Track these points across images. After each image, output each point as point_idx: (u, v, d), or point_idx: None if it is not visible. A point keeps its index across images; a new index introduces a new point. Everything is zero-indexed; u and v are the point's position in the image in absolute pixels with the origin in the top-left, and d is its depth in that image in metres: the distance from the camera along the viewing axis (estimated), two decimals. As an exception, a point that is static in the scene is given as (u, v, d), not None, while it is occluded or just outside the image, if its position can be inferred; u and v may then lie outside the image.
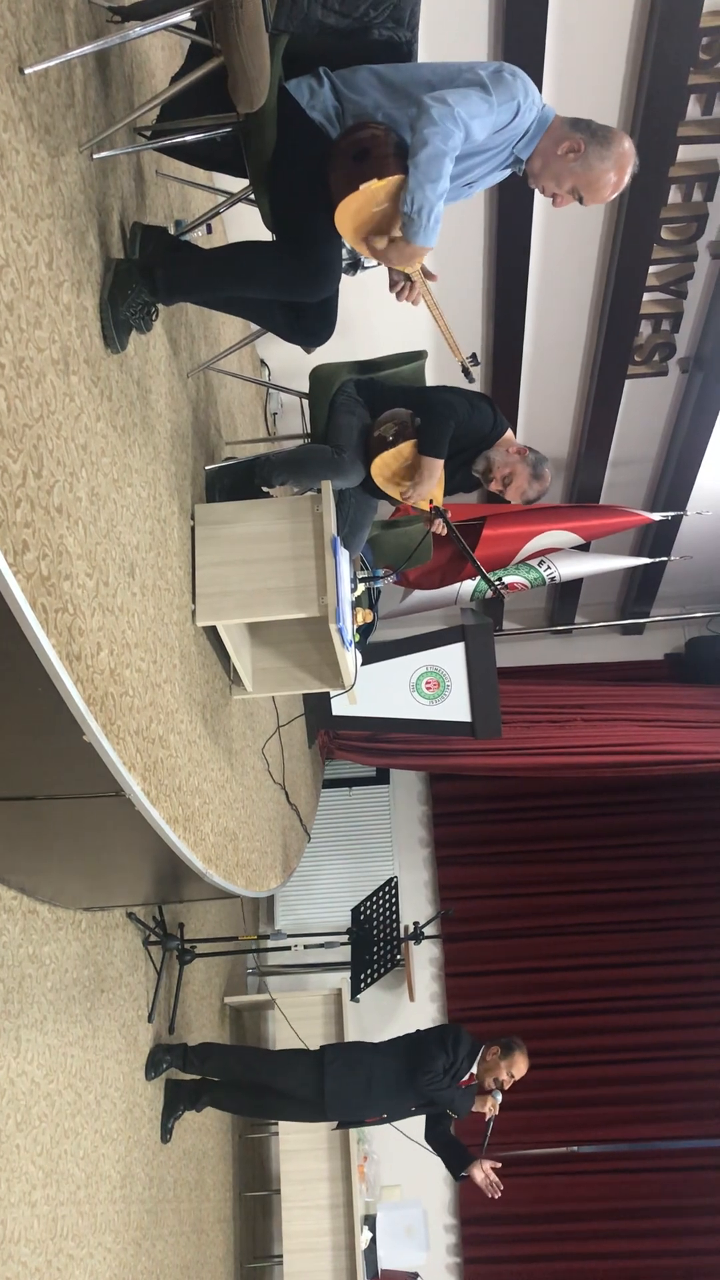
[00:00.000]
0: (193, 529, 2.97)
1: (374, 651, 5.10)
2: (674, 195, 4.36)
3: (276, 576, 2.96)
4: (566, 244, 4.62)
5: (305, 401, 3.45)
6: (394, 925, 5.46)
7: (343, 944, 5.33)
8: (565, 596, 7.01)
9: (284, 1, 2.31)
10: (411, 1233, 5.19)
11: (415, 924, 5.35)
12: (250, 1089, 4.22)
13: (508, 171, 2.52)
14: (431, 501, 3.30)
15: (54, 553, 1.82)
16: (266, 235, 2.63)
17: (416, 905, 6.75)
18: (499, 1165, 3.96)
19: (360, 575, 3.44)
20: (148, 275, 2.38)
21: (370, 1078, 4.05)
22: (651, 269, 4.64)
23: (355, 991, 5.25)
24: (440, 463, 3.22)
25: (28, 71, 1.84)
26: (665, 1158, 6.17)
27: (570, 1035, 6.44)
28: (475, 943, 6.66)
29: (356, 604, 3.38)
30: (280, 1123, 5.11)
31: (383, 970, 5.32)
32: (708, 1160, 6.15)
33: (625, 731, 6.00)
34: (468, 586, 5.66)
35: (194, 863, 2.68)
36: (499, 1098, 4.06)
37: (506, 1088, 4.06)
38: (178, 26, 2.23)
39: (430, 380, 3.85)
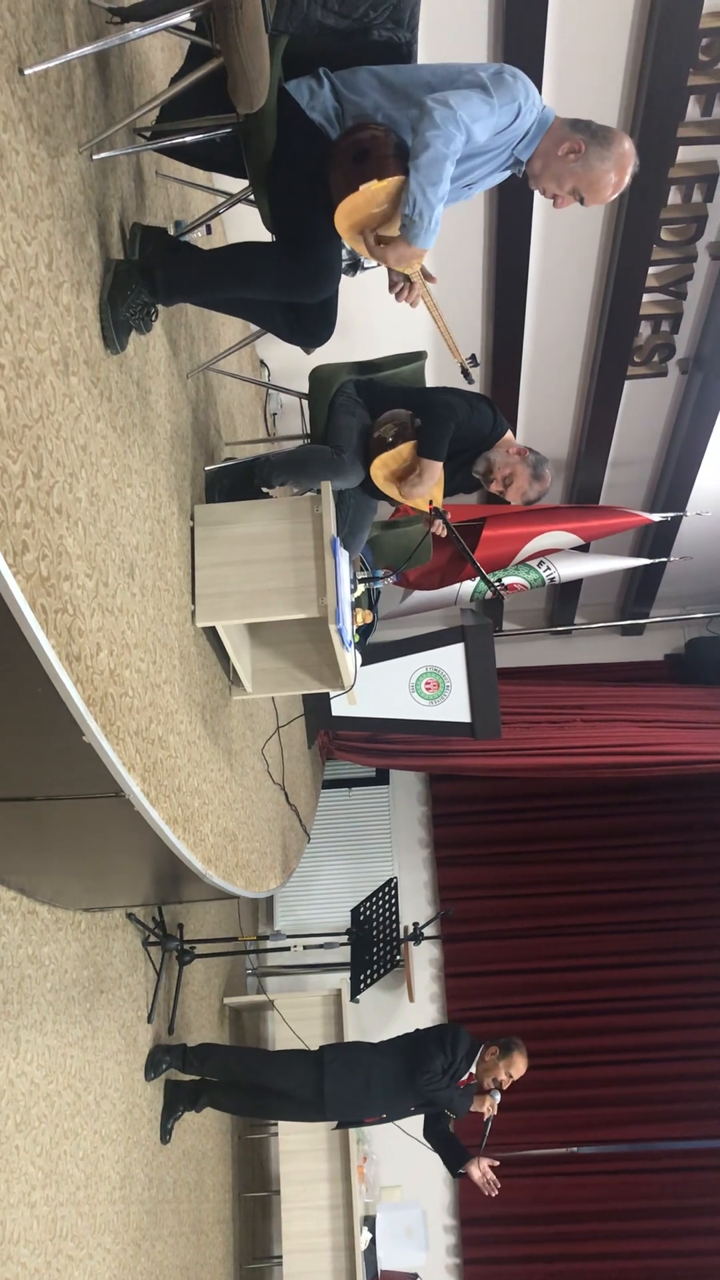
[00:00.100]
0: (192, 530, 2.97)
1: (374, 652, 5.10)
2: (674, 196, 4.36)
3: (276, 577, 2.96)
4: (566, 245, 4.62)
5: (305, 402, 3.45)
6: (394, 926, 5.46)
7: (342, 945, 5.33)
8: (565, 597, 7.01)
9: (283, 2, 2.31)
10: (411, 1233, 5.19)
11: (415, 924, 5.36)
12: (250, 1089, 4.22)
13: (508, 173, 2.52)
14: (431, 503, 3.30)
15: (54, 553, 1.82)
16: (266, 236, 2.63)
17: (416, 906, 6.75)
18: (496, 1163, 3.96)
19: (360, 576, 3.44)
20: (147, 276, 2.38)
21: (369, 1078, 4.06)
22: (651, 270, 4.64)
23: (355, 992, 5.25)
24: (439, 464, 3.22)
25: (28, 72, 1.84)
26: (665, 1158, 6.17)
27: (570, 1036, 6.44)
28: (475, 943, 6.66)
29: (356, 604, 3.38)
30: (280, 1123, 5.11)
31: (382, 971, 5.32)
32: (708, 1161, 6.15)
33: (625, 732, 6.00)
34: (467, 587, 5.66)
35: (193, 863, 2.68)
36: (497, 1098, 4.06)
37: (505, 1088, 4.06)
38: (177, 27, 2.23)
39: (430, 381, 3.86)
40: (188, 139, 2.52)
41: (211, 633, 3.06)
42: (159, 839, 2.44)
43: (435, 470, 3.21)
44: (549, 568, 5.65)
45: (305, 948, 5.54)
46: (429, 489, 3.23)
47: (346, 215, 2.33)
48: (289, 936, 5.52)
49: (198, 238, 3.04)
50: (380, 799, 7.09)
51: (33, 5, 1.90)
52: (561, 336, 5.14)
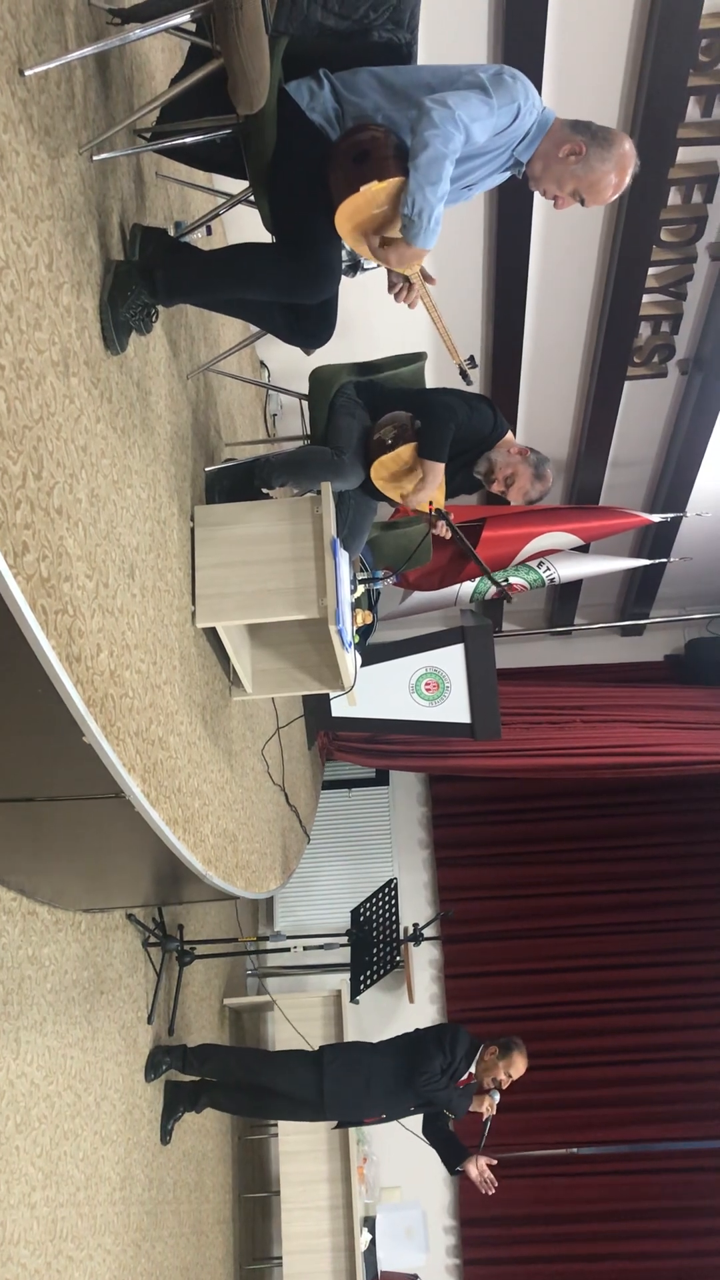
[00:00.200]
0: (192, 530, 2.97)
1: (373, 653, 5.10)
2: (673, 197, 4.36)
3: (276, 578, 2.96)
4: (566, 245, 4.62)
5: (305, 403, 3.45)
6: (393, 927, 5.46)
7: (342, 945, 5.33)
8: (565, 598, 7.01)
9: (284, 3, 2.31)
10: (411, 1234, 5.19)
11: (415, 925, 5.35)
12: (249, 1090, 4.22)
13: (508, 174, 2.52)
14: (431, 504, 3.30)
15: (54, 554, 1.82)
16: (266, 237, 2.63)
17: (416, 907, 6.76)
18: (494, 1162, 3.96)
19: (360, 576, 3.44)
20: (147, 277, 2.38)
21: (369, 1078, 4.06)
22: (651, 271, 4.64)
23: (355, 993, 5.25)
24: (441, 466, 3.21)
25: (28, 73, 1.84)
26: (665, 1159, 6.17)
27: (570, 1036, 6.44)
28: (475, 944, 6.66)
29: (356, 605, 3.39)
30: (280, 1124, 5.11)
31: (382, 972, 5.32)
32: (708, 1162, 6.15)
33: (625, 733, 6.01)
34: (467, 588, 5.66)
35: (193, 864, 2.68)
36: (497, 1097, 4.06)
37: (505, 1088, 4.06)
38: (178, 28, 2.23)
39: (430, 382, 3.86)
40: (188, 140, 2.52)
41: (212, 633, 3.06)
42: (159, 840, 2.44)
43: (437, 472, 3.20)
44: (549, 568, 5.65)
45: (305, 948, 5.54)
46: (434, 491, 3.22)
47: (347, 216, 2.33)
48: (289, 937, 5.51)
49: (198, 239, 3.04)
50: (380, 800, 7.09)
51: (33, 6, 1.90)
52: (561, 337, 5.14)
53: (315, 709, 5.15)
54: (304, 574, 2.96)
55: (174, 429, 2.87)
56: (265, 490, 3.21)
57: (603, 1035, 6.46)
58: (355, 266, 4.25)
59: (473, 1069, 4.06)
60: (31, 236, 1.83)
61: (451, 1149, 4.06)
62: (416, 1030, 4.25)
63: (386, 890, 5.52)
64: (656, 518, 5.73)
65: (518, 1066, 4.05)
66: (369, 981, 5.26)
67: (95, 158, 2.22)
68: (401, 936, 5.49)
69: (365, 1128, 5.14)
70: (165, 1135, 4.01)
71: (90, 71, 2.27)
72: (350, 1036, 5.25)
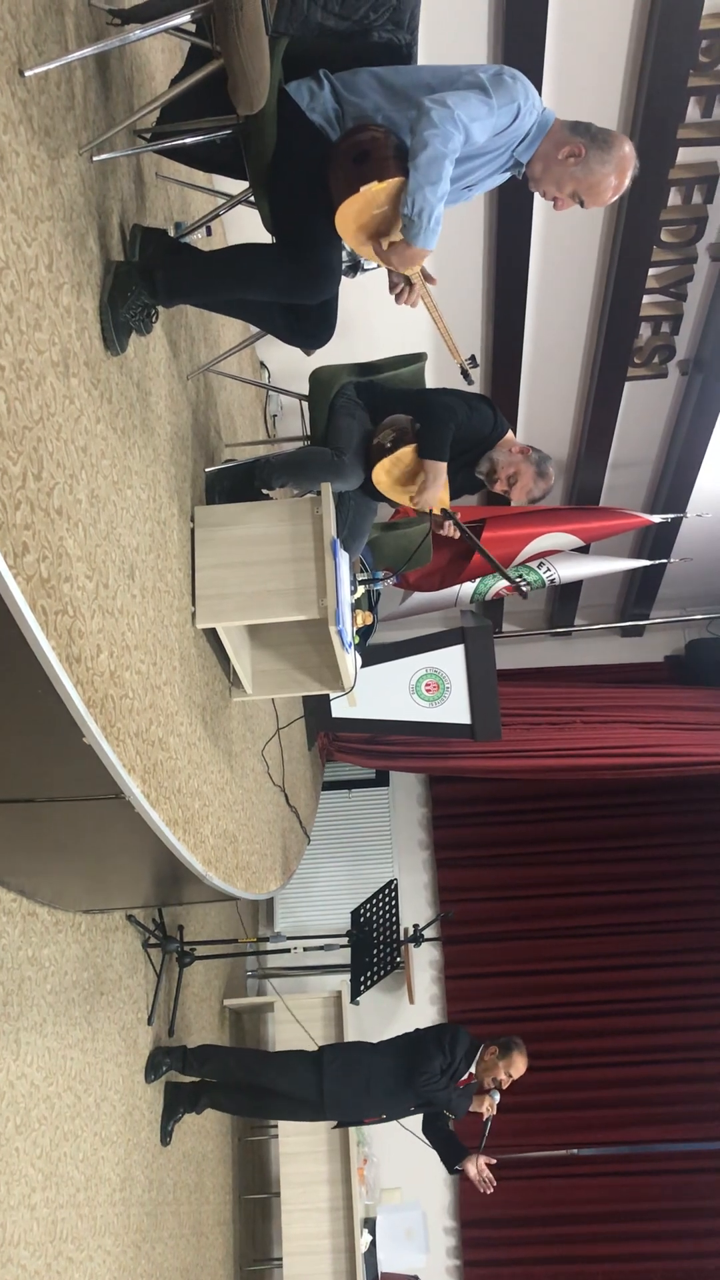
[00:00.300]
0: (192, 531, 2.97)
1: (374, 653, 5.10)
2: (674, 197, 4.36)
3: (276, 579, 2.96)
4: (566, 246, 4.62)
5: (305, 404, 3.45)
6: (394, 928, 5.46)
7: (342, 946, 5.33)
8: (565, 598, 7.01)
9: (284, 4, 2.31)
10: (411, 1235, 5.19)
11: (415, 926, 5.35)
12: (249, 1090, 4.22)
13: (508, 174, 2.52)
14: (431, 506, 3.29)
15: (54, 555, 1.82)
16: (266, 238, 2.63)
17: (416, 907, 6.75)
18: (493, 1161, 3.96)
19: (360, 577, 3.44)
20: (147, 277, 2.38)
21: (369, 1078, 4.06)
22: (651, 271, 4.64)
23: (355, 994, 5.24)
24: (444, 465, 3.21)
25: (28, 74, 1.84)
26: (665, 1160, 6.17)
27: (570, 1038, 6.44)
28: (475, 945, 6.66)
29: (356, 606, 3.38)
30: (280, 1126, 5.11)
31: (383, 973, 5.32)
32: (708, 1163, 6.15)
33: (625, 734, 6.00)
34: (467, 589, 5.67)
35: (194, 865, 2.68)
36: (497, 1097, 4.06)
37: (505, 1088, 4.05)
38: (178, 29, 2.23)
39: (430, 382, 3.86)
40: (188, 140, 2.52)
41: (212, 634, 3.06)
42: (159, 841, 2.44)
43: (440, 471, 3.20)
44: (549, 569, 5.65)
45: (305, 949, 5.54)
46: (438, 492, 3.22)
47: (347, 217, 2.33)
48: (289, 938, 5.51)
49: (198, 239, 3.04)
50: (380, 801, 7.09)
51: (33, 7, 1.90)
52: (561, 338, 5.14)
53: (315, 710, 5.15)
54: (304, 575, 2.96)
55: (174, 430, 2.87)
56: (265, 491, 3.21)
57: (603, 1036, 6.46)
58: (355, 267, 4.25)
59: (473, 1069, 4.06)
60: (31, 237, 1.83)
61: (451, 1148, 4.06)
62: (416, 1030, 4.25)
63: (387, 891, 5.52)
64: (657, 518, 5.73)
65: (518, 1066, 4.05)
66: (369, 982, 5.26)
67: (95, 158, 2.22)
68: (402, 937, 5.49)
69: (365, 1128, 5.14)
70: (165, 1136, 4.00)
71: (90, 72, 2.27)
72: (350, 1037, 5.24)
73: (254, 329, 3.27)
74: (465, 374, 3.06)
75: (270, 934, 6.15)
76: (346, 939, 5.33)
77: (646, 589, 6.93)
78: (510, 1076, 4.05)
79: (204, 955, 4.68)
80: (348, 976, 5.27)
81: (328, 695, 4.48)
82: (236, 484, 3.22)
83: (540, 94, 2.45)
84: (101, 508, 2.13)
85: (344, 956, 5.38)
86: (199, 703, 2.90)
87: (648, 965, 6.61)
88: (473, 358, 3.06)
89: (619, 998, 6.53)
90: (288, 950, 5.49)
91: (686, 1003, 6.52)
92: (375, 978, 5.29)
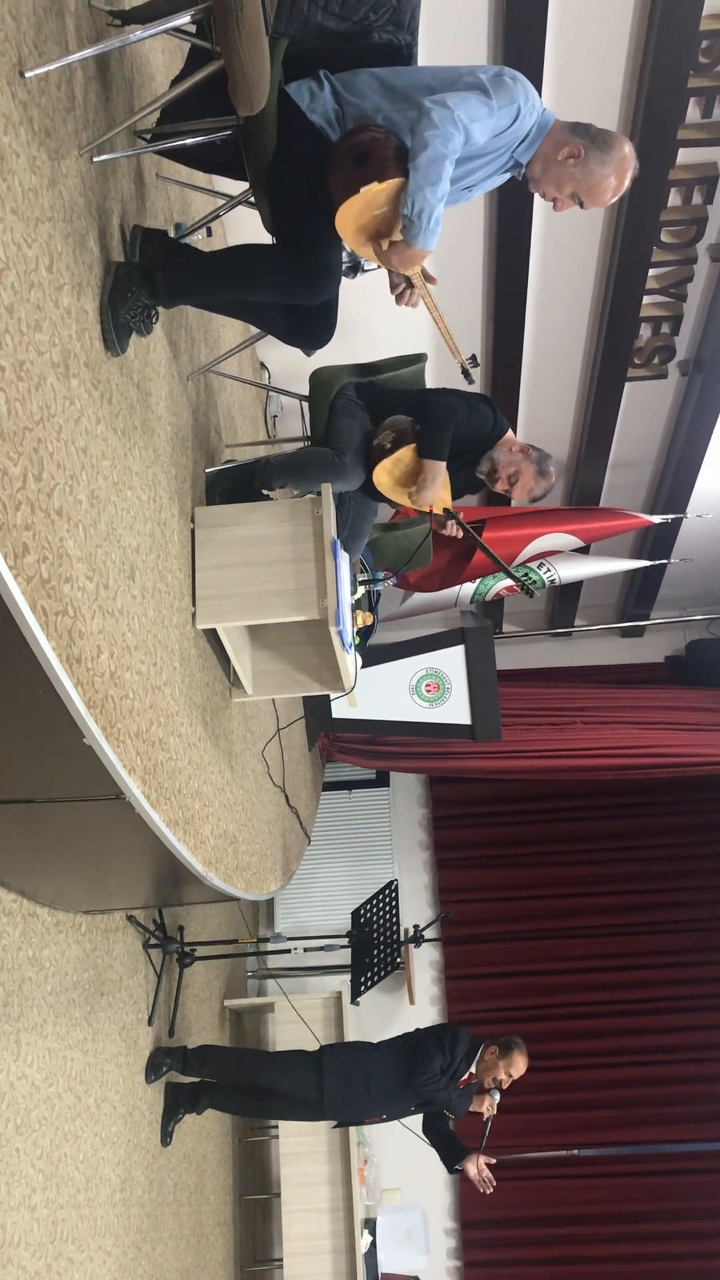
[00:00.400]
0: (193, 532, 2.97)
1: (374, 654, 5.10)
2: (674, 198, 4.36)
3: (276, 579, 2.96)
4: (566, 247, 4.62)
5: (305, 404, 3.45)
6: (394, 928, 5.45)
7: (343, 947, 5.33)
8: (565, 599, 7.01)
9: (284, 5, 2.31)
10: (412, 1236, 5.19)
11: (415, 927, 5.35)
12: (250, 1090, 4.22)
13: (507, 175, 2.52)
14: (431, 506, 3.29)
15: (54, 555, 1.82)
16: (267, 238, 2.63)
17: (416, 908, 6.75)
18: (493, 1161, 3.96)
19: (360, 578, 3.44)
20: (148, 278, 2.38)
21: (369, 1078, 4.06)
22: (651, 272, 4.64)
23: (355, 995, 5.24)
24: (443, 465, 3.21)
25: (28, 75, 1.84)
26: (666, 1161, 6.17)
27: (570, 1038, 6.43)
28: (475, 946, 6.66)
29: (356, 606, 3.38)
30: (281, 1126, 5.11)
31: (383, 973, 5.32)
32: (709, 1164, 6.15)
33: (625, 734, 6.00)
34: (468, 589, 5.67)
35: (194, 866, 2.68)
36: (497, 1097, 4.05)
37: (505, 1087, 4.05)
38: (178, 30, 2.23)
39: (430, 382, 3.85)
40: (188, 141, 2.52)
41: (212, 635, 3.06)
42: (159, 841, 2.44)
43: (439, 471, 3.20)
44: (549, 570, 5.65)
45: (306, 950, 5.54)
46: (438, 491, 3.22)
47: (347, 217, 2.34)
48: (289, 939, 5.51)
49: (198, 240, 3.04)
50: (380, 801, 7.09)
51: (33, 8, 1.90)
52: (561, 338, 5.14)
53: (316, 710, 5.15)
54: (304, 575, 2.96)
55: (174, 430, 2.87)
56: (266, 492, 3.21)
57: (603, 1037, 6.46)
58: (356, 268, 4.26)
59: (473, 1069, 4.06)
60: (32, 238, 1.83)
61: (451, 1148, 4.06)
62: (416, 1030, 4.25)
63: (387, 892, 5.52)
64: (657, 519, 5.73)
65: (518, 1066, 4.05)
66: (370, 983, 5.26)
67: (96, 159, 2.22)
68: (402, 938, 5.49)
69: (365, 1129, 5.14)
70: (165, 1137, 4.00)
71: (91, 73, 2.27)
72: (351, 1038, 5.24)
73: (254, 330, 3.27)
74: (466, 374, 3.06)
75: (271, 934, 6.16)
76: (347, 940, 5.33)
77: (647, 589, 6.93)
78: (510, 1076, 4.05)
79: (204, 956, 4.68)
80: (348, 977, 5.27)
81: (328, 696, 4.48)
82: (237, 485, 3.22)
83: (540, 95, 2.46)
84: (102, 508, 2.13)
85: (344, 957, 5.38)
86: (199, 703, 2.90)
87: (648, 966, 6.60)
88: (473, 358, 3.05)
89: (619, 998, 6.53)
90: (288, 951, 5.49)
91: (687, 1003, 6.52)
92: (375, 978, 5.29)
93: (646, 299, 4.78)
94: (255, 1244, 5.46)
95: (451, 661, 5.19)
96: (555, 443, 5.70)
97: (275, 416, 5.46)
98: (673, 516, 5.90)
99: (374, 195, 2.29)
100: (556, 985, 6.56)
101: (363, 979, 5.24)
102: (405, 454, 3.20)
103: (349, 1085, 4.05)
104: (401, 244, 2.35)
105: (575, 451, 5.83)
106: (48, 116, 1.96)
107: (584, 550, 5.71)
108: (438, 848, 6.99)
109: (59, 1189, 2.95)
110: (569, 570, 5.72)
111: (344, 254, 3.37)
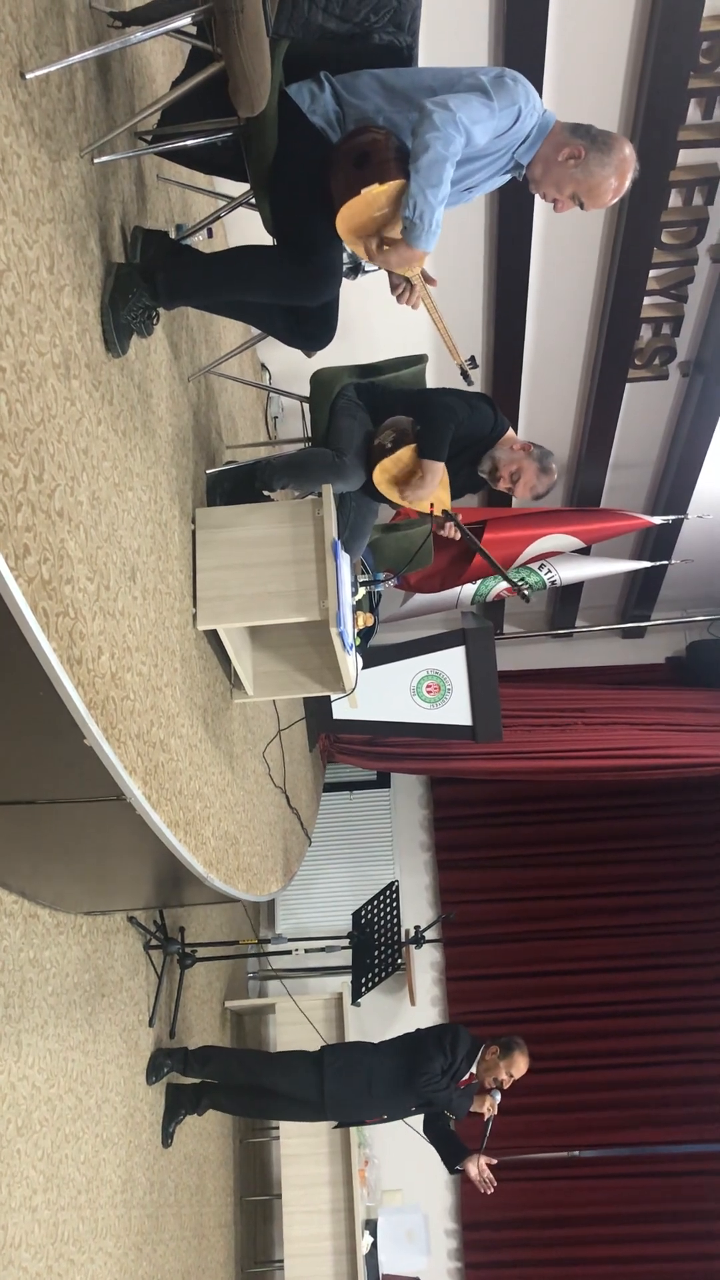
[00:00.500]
0: (193, 533, 2.97)
1: (375, 655, 5.10)
2: (674, 199, 4.36)
3: (277, 580, 2.96)
4: (567, 247, 4.63)
5: (306, 405, 3.46)
6: (395, 929, 5.45)
7: (344, 948, 5.32)
8: (566, 600, 7.01)
9: (284, 6, 2.31)
10: (413, 1237, 5.18)
11: (416, 928, 5.34)
12: (250, 1091, 4.22)
13: (508, 176, 2.53)
14: (432, 505, 3.29)
15: (55, 557, 1.82)
16: (267, 239, 2.64)
17: (417, 909, 6.75)
18: (494, 1161, 3.95)
19: (361, 579, 3.44)
20: (149, 279, 2.39)
21: (370, 1078, 4.06)
22: (652, 273, 4.64)
23: (356, 996, 5.24)
24: (441, 465, 3.21)
25: (29, 76, 1.85)
26: (667, 1162, 6.16)
27: (572, 1039, 6.43)
28: (476, 947, 6.65)
29: (357, 607, 3.38)
30: (281, 1127, 5.11)
31: (384, 974, 5.31)
32: (710, 1165, 6.14)
33: (626, 735, 6.00)
34: (468, 590, 5.67)
35: (195, 867, 2.68)
36: (498, 1097, 4.05)
37: (506, 1088, 4.05)
38: (179, 31, 2.23)
39: (431, 383, 3.85)
40: (189, 142, 2.53)
41: (213, 636, 3.06)
42: (160, 842, 2.44)
43: (437, 471, 3.20)
44: (550, 571, 5.65)
45: (306, 951, 5.53)
46: (432, 491, 3.22)
47: (347, 219, 2.34)
48: (290, 940, 5.51)
49: (199, 241, 3.04)
50: (381, 802, 7.08)
51: (34, 9, 1.90)
52: (562, 339, 5.14)
53: (316, 711, 5.15)
54: (305, 576, 2.96)
55: (175, 431, 2.87)
56: (266, 492, 3.22)
57: (604, 1038, 6.45)
58: (356, 269, 4.26)
59: (474, 1069, 4.06)
60: (33, 239, 1.83)
61: (451, 1148, 4.06)
62: (417, 1031, 4.25)
63: (388, 893, 5.51)
64: (658, 520, 5.73)
65: (519, 1066, 4.05)
66: (370, 984, 5.26)
67: (96, 160, 2.22)
68: (403, 939, 5.48)
69: (366, 1129, 5.14)
70: (166, 1138, 4.00)
71: (91, 74, 2.27)
72: (352, 1039, 5.24)
73: (255, 331, 3.27)
74: (465, 375, 3.06)
75: (272, 936, 6.16)
76: (347, 940, 5.32)
77: (647, 590, 6.93)
78: (511, 1077, 4.04)
79: (205, 957, 4.68)
80: (349, 978, 5.26)
81: (329, 697, 4.48)
82: (237, 486, 3.23)
83: (540, 96, 2.46)
84: (103, 510, 2.13)
85: (345, 958, 5.37)
86: (200, 704, 2.90)
87: (649, 967, 6.60)
88: (472, 359, 3.05)
89: (620, 999, 6.52)
90: (289, 952, 5.48)
91: (688, 1004, 6.52)
92: (376, 979, 5.28)
93: (647, 300, 4.79)
94: (256, 1245, 5.46)
95: (452, 662, 5.18)
96: (556, 443, 5.70)
97: (276, 417, 5.47)
98: (673, 518, 5.90)
99: (375, 197, 2.29)
100: (557, 986, 6.56)
101: (363, 980, 5.24)
102: (405, 454, 3.21)
103: (350, 1086, 4.05)
104: (401, 245, 2.35)
105: (576, 452, 5.83)
106: (49, 118, 1.96)
107: (585, 551, 5.71)
108: (438, 849, 6.99)
109: (60, 1190, 2.95)
110: (570, 571, 5.72)
111: (344, 255, 3.37)
